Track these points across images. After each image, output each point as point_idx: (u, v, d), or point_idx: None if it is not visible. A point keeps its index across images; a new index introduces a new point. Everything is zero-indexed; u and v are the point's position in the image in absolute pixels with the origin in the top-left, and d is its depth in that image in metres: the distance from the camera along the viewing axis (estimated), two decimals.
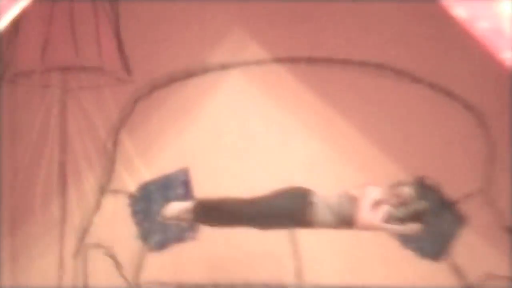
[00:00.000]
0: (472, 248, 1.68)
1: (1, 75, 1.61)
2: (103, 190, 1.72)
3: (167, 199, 1.69)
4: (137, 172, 1.72)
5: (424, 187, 1.67)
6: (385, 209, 1.63)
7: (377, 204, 1.64)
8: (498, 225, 1.67)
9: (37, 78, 1.55)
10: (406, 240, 1.66)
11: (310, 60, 1.65)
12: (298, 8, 1.63)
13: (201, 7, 1.68)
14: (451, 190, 1.68)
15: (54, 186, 1.71)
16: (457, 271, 1.66)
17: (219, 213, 1.66)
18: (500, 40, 1.21)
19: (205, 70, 1.68)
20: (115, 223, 1.72)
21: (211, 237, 1.69)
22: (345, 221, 1.63)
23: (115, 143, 1.71)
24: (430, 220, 1.66)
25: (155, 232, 1.71)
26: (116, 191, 1.72)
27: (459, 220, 1.67)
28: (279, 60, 1.67)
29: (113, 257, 1.70)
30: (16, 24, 1.39)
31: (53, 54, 1.58)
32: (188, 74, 1.69)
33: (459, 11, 1.31)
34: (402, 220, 1.65)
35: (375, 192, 1.64)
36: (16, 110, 1.66)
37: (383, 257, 1.68)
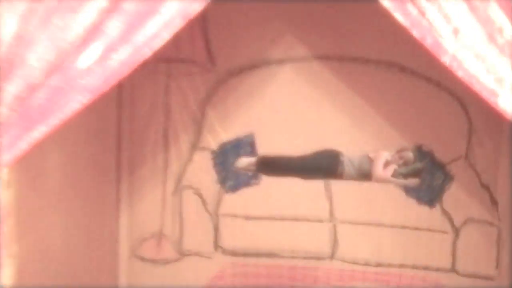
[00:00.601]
0: (457, 198, 2.03)
1: None
2: (193, 147, 2.11)
3: (238, 155, 2.08)
4: (218, 135, 2.10)
5: (421, 152, 2.01)
6: (393, 167, 1.97)
7: (387, 164, 1.97)
8: (477, 181, 2.01)
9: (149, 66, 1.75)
10: (408, 191, 2.03)
11: (340, 58, 1.98)
12: (332, 14, 1.89)
13: (264, 14, 1.97)
14: (442, 155, 2.02)
15: (160, 143, 2.11)
16: (446, 214, 2.03)
17: (275, 166, 2.05)
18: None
19: (266, 63, 2.03)
20: (202, 171, 2.12)
21: (269, 183, 2.08)
22: (364, 175, 1.98)
23: (203, 114, 2.09)
24: (426, 177, 2.01)
25: (230, 178, 2.11)
26: (203, 148, 2.11)
27: (448, 177, 2.02)
28: (318, 57, 2.00)
29: (200, 195, 2.11)
30: None
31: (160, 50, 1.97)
32: (254, 66, 2.04)
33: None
34: (405, 176, 1.98)
35: (386, 155, 1.97)
36: (134, 90, 2.02)
37: (392, 202, 2.04)
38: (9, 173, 1.34)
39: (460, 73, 1.18)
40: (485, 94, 1.18)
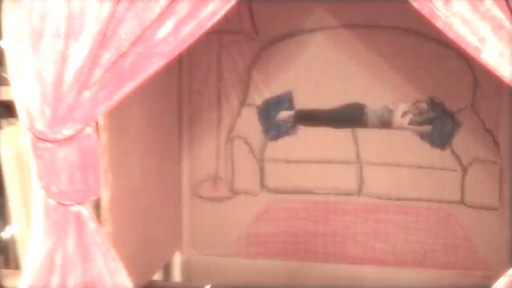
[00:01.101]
0: (464, 142, 2.13)
1: None
2: (242, 104, 2.23)
3: (279, 110, 2.21)
4: (261, 93, 2.22)
5: (433, 103, 2.12)
6: (409, 116, 2.11)
7: (404, 113, 2.11)
8: (481, 127, 2.11)
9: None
10: (423, 136, 2.15)
11: (363, 26, 2.08)
12: None
13: None
14: (451, 105, 2.12)
15: (214, 101, 2.24)
16: (455, 155, 2.14)
17: (310, 118, 2.19)
18: None
19: (301, 32, 2.14)
20: (249, 124, 2.24)
21: (305, 132, 2.22)
22: (385, 124, 2.13)
23: (249, 76, 2.20)
24: (438, 124, 2.13)
25: (272, 129, 2.24)
26: (249, 105, 2.23)
27: (456, 124, 2.12)
28: (344, 25, 2.11)
29: (247, 144, 2.25)
30: None
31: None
32: (291, 34, 2.15)
33: None
34: (420, 123, 2.11)
35: (403, 106, 2.12)
36: (192, 57, 2.15)
37: (409, 146, 2.15)
38: (104, 120, 1.60)
39: (451, 35, 1.32)
40: (470, 51, 1.33)
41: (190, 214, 2.32)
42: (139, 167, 1.89)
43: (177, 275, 2.38)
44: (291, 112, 2.19)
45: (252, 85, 2.20)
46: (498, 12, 1.31)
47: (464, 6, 1.33)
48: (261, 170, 2.25)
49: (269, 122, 2.22)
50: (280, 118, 2.21)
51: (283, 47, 2.15)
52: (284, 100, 2.19)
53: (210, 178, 2.29)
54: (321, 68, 2.15)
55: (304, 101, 2.18)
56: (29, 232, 1.58)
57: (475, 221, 2.10)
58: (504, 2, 1.30)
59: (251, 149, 2.25)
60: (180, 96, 2.24)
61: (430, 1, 1.36)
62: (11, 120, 2.15)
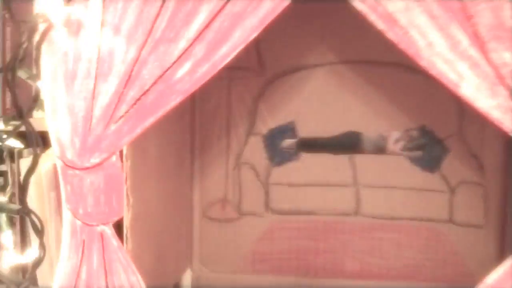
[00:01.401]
0: (452, 166, 2.15)
1: None
2: (249, 133, 2.25)
3: (283, 138, 2.23)
4: (267, 123, 2.24)
5: (424, 131, 2.14)
6: (402, 143, 2.14)
7: (397, 140, 2.14)
8: (467, 152, 2.14)
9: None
10: (414, 161, 2.16)
11: (359, 61, 2.11)
12: (350, 29, 1.91)
13: (301, 29, 2.10)
14: (440, 132, 2.14)
15: (223, 131, 2.27)
16: (443, 178, 2.16)
17: (311, 145, 2.22)
18: None
19: (303, 67, 2.17)
20: (255, 151, 2.26)
21: (306, 158, 2.24)
22: (380, 150, 2.16)
23: (256, 108, 2.23)
24: (428, 150, 2.15)
25: (276, 156, 2.26)
26: (256, 134, 2.25)
27: (445, 149, 2.15)
28: (342, 61, 2.14)
29: (254, 169, 2.28)
30: None
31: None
32: (294, 70, 2.18)
33: None
34: (411, 149, 2.13)
35: (396, 134, 2.14)
36: (204, 91, 2.02)
37: (401, 170, 2.17)
38: (127, 149, 1.68)
39: (433, 72, 1.40)
40: (451, 86, 1.40)
41: (200, 234, 2.35)
42: (155, 192, 1.96)
43: None
44: (294, 140, 2.23)
45: (259, 116, 2.24)
46: (474, 53, 1.37)
47: (445, 47, 1.40)
48: (266, 193, 2.29)
49: (273, 149, 2.25)
50: (284, 145, 2.24)
51: (287, 81, 2.18)
52: (287, 129, 2.23)
53: (219, 201, 2.32)
54: (321, 100, 2.18)
55: (306, 130, 2.23)
56: (46, 254, 1.61)
57: (462, 238, 2.12)
58: (479, 43, 1.36)
59: (257, 174, 2.27)
60: (192, 127, 2.28)
61: (415, 43, 1.41)
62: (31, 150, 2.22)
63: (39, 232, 1.59)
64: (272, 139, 2.24)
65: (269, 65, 2.19)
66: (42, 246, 1.60)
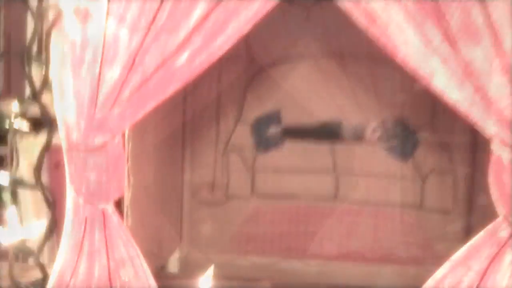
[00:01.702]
0: (424, 155, 2.23)
1: None
2: (237, 121, 2.31)
3: (269, 126, 2.28)
4: (254, 112, 2.30)
5: (399, 122, 2.22)
6: (378, 133, 2.22)
7: (374, 130, 2.22)
8: (438, 142, 2.20)
9: None
10: (389, 150, 2.25)
11: (340, 55, 2.17)
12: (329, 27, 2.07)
13: (287, 27, 2.14)
14: (413, 123, 2.22)
15: (213, 119, 2.33)
16: (415, 167, 2.23)
17: (295, 133, 2.28)
18: None
19: (288, 60, 2.23)
20: (242, 138, 2.32)
21: (290, 145, 2.30)
22: (358, 138, 2.23)
23: (244, 97, 2.30)
24: (402, 140, 2.23)
25: (262, 143, 2.32)
26: (243, 122, 2.32)
27: (417, 140, 2.23)
28: (323, 55, 2.19)
29: (241, 156, 2.33)
30: None
31: None
32: (280, 62, 2.23)
33: None
34: (387, 139, 2.22)
35: (373, 125, 2.22)
36: (196, 80, 1.86)
37: (377, 159, 2.25)
38: (129, 132, 1.75)
39: (408, 67, 1.47)
40: (424, 80, 1.48)
41: (189, 216, 2.41)
42: (152, 174, 2.03)
43: (175, 269, 2.43)
44: (279, 128, 2.30)
45: (246, 105, 2.30)
46: (446, 49, 1.44)
47: (419, 45, 1.47)
48: (252, 179, 2.35)
49: (260, 137, 2.31)
50: (270, 133, 2.30)
51: (273, 72, 2.25)
52: (273, 118, 2.29)
53: (208, 185, 2.38)
54: (305, 90, 2.24)
55: (291, 119, 2.29)
56: (39, 235, 1.68)
57: (432, 223, 2.20)
58: (450, 40, 1.42)
59: (243, 161, 2.33)
60: (184, 115, 2.32)
61: (393, 40, 1.49)
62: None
63: (51, 205, 1.64)
64: (259, 127, 2.30)
65: (257, 57, 2.24)
66: (54, 219, 1.64)
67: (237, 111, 2.31)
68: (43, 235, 1.67)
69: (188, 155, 2.34)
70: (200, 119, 2.32)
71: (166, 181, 2.21)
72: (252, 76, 2.26)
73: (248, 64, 2.24)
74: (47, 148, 1.63)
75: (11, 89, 2.16)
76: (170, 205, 2.29)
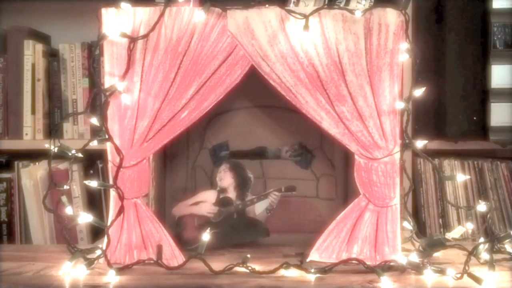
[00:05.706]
0: (317, 165, 2.30)
1: None
2: (200, 147, 2.39)
3: (221, 151, 2.40)
4: (211, 142, 2.31)
5: (301, 145, 2.24)
6: (289, 152, 2.35)
7: (287, 151, 2.27)
8: (326, 157, 2.32)
9: None
10: (296, 162, 2.33)
11: (265, 106, 2.27)
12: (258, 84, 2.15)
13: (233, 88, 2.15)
14: (310, 146, 2.34)
15: (184, 145, 2.34)
16: (313, 172, 2.32)
17: (237, 155, 2.34)
18: None
19: (232, 109, 2.30)
20: (204, 159, 2.33)
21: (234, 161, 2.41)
22: (277, 157, 2.31)
23: (204, 132, 2.39)
24: (304, 156, 2.31)
25: (217, 161, 2.43)
26: (204, 148, 2.32)
27: (313, 156, 2.33)
28: (255, 106, 2.32)
29: (203, 170, 2.36)
30: None
31: None
32: (226, 110, 2.28)
33: None
34: (294, 156, 2.28)
35: (286, 147, 2.25)
36: None
37: (289, 169, 2.25)
38: (152, 157, 2.01)
39: (308, 115, 1.81)
40: (317, 123, 1.82)
41: (169, 209, 2.56)
42: (156, 180, 2.38)
43: None
44: (227, 152, 2.39)
45: (206, 137, 2.41)
46: (328, 106, 1.77)
47: (314, 104, 1.80)
48: (211, 184, 2.51)
49: (215, 157, 2.40)
50: (221, 155, 2.39)
51: (222, 117, 2.24)
52: (223, 146, 2.40)
53: (182, 190, 2.55)
54: (244, 128, 2.29)
55: (235, 146, 2.37)
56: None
57: (323, 206, 2.25)
58: (330, 102, 1.74)
59: (205, 173, 2.41)
60: (166, 144, 2.24)
61: (298, 100, 1.81)
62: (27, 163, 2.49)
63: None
64: (215, 151, 2.38)
65: (212, 107, 2.09)
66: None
67: (200, 141, 2.38)
68: (113, 216, 1.87)
69: (169, 169, 2.38)
70: (176, 145, 2.34)
71: (160, 186, 2.48)
72: (210, 119, 2.35)
73: (207, 112, 2.20)
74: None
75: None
76: (162, 202, 2.54)
